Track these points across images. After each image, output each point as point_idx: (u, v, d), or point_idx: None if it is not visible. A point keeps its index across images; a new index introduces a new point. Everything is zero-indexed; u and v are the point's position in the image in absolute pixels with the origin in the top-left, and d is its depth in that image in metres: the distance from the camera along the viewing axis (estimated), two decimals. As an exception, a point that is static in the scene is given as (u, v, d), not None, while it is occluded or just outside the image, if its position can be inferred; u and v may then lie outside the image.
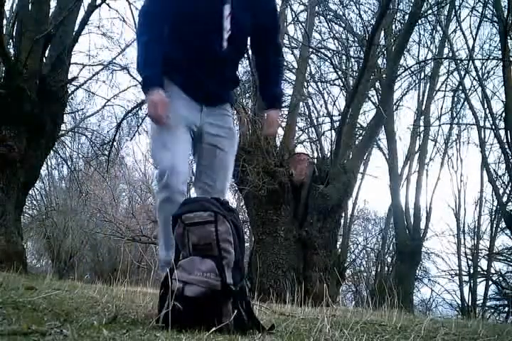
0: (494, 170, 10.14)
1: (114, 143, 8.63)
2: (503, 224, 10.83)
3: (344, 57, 8.69)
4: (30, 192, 8.03)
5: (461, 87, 9.78)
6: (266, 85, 2.14)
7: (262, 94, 2.18)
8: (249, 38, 2.07)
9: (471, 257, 11.73)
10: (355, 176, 6.45)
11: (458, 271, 11.92)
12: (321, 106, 10.10)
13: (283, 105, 2.13)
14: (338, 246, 8.35)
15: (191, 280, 1.53)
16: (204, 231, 1.58)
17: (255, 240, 5.80)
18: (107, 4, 6.86)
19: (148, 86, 1.85)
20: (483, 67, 9.63)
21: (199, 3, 1.87)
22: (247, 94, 6.34)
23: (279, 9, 8.11)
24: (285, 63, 8.97)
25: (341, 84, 9.00)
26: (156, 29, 1.87)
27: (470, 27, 8.90)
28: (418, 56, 10.35)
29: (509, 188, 10.18)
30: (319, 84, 9.66)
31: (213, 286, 1.52)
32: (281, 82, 2.16)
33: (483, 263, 11.42)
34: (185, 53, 1.93)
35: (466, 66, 9.30)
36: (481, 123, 9.76)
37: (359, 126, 8.92)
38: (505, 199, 9.87)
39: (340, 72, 8.45)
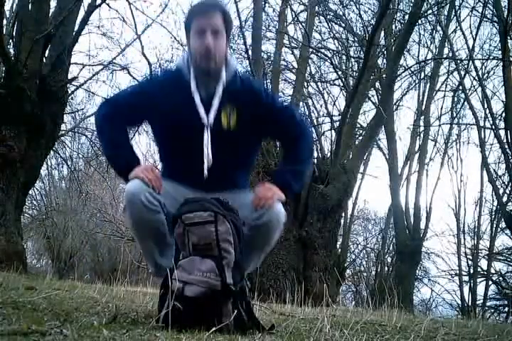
0: (494, 170, 10.15)
1: (114, 143, 8.61)
2: (503, 224, 10.84)
3: (344, 57, 8.70)
4: (30, 192, 8.03)
5: (461, 87, 9.78)
6: (282, 167, 2.01)
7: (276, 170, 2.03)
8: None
9: (471, 257, 11.74)
10: (355, 176, 6.44)
11: (458, 271, 11.93)
12: (321, 106, 10.13)
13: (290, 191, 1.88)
14: (338, 246, 8.35)
15: (191, 280, 1.53)
16: (204, 231, 1.58)
17: (255, 240, 5.79)
18: (107, 4, 6.88)
19: (126, 167, 1.79)
20: (483, 67, 9.66)
21: (180, 127, 1.83)
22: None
23: (279, 9, 8.13)
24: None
25: (341, 84, 9.01)
26: (117, 125, 1.87)
27: (470, 27, 8.91)
28: (418, 56, 10.38)
29: (509, 188, 10.19)
30: (319, 84, 9.68)
31: (213, 286, 1.52)
32: (299, 179, 1.94)
33: (483, 263, 11.45)
34: (173, 166, 1.94)
35: (466, 66, 9.31)
36: (481, 123, 9.77)
37: (359, 126, 8.93)
38: (505, 199, 9.87)
39: (340, 72, 8.46)
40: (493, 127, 8.60)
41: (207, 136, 1.81)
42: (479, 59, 9.34)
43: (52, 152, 8.97)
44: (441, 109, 11.30)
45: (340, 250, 9.77)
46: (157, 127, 1.95)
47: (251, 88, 1.91)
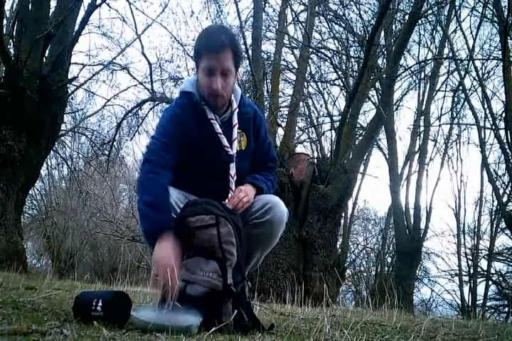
0: (494, 170, 10.13)
1: (114, 143, 8.64)
2: (503, 224, 10.83)
3: (344, 57, 8.68)
4: (30, 192, 8.03)
5: (461, 87, 9.77)
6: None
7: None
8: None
9: (471, 257, 11.74)
10: (355, 176, 6.44)
11: (458, 271, 11.92)
12: (321, 106, 10.12)
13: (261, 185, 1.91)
14: (338, 246, 8.35)
15: (194, 279, 1.54)
16: (207, 235, 1.59)
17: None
18: (107, 4, 6.88)
19: (156, 232, 1.63)
20: (483, 67, 9.63)
21: (206, 160, 1.83)
22: (248, 94, 6.37)
23: (279, 9, 8.14)
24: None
25: (341, 84, 9.00)
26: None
27: (470, 27, 8.87)
28: (418, 56, 10.36)
29: (509, 188, 10.17)
30: (319, 84, 9.66)
31: (215, 286, 1.53)
32: (267, 187, 1.95)
33: (483, 263, 11.44)
34: (190, 184, 1.87)
35: (466, 66, 9.29)
36: (481, 123, 9.75)
37: (359, 126, 8.92)
38: (505, 199, 9.85)
39: (340, 72, 8.44)
40: (493, 127, 8.60)
41: (233, 170, 1.85)
42: (479, 59, 9.32)
43: (52, 152, 8.98)
44: (441, 109, 11.30)
45: (340, 250, 9.77)
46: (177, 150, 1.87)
47: (255, 113, 2.00)
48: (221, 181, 1.84)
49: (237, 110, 1.91)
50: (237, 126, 1.89)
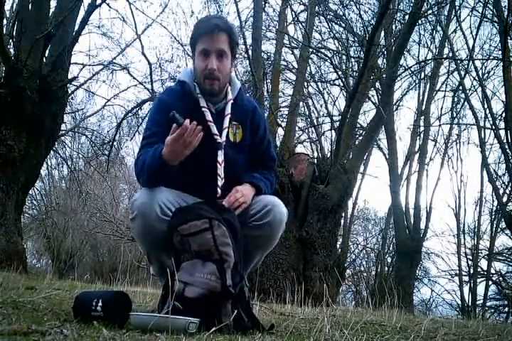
0: (494, 170, 10.13)
1: (114, 143, 8.64)
2: (503, 224, 10.83)
3: (344, 57, 8.68)
4: (30, 192, 8.03)
5: (461, 87, 9.77)
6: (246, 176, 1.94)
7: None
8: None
9: (471, 257, 11.74)
10: (355, 176, 6.43)
11: (458, 271, 11.93)
12: (321, 106, 10.12)
13: (260, 186, 1.89)
14: (338, 246, 8.35)
15: (192, 281, 1.53)
16: (202, 239, 1.59)
17: (255, 240, 5.77)
18: (107, 4, 6.89)
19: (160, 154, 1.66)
20: (483, 67, 9.63)
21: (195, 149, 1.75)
22: (248, 94, 6.35)
23: (279, 9, 8.14)
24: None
25: (341, 84, 8.99)
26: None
27: (470, 27, 8.87)
28: (418, 56, 10.36)
29: (509, 188, 10.17)
30: (319, 84, 9.66)
31: (213, 288, 1.52)
32: (265, 186, 1.93)
33: (483, 263, 11.44)
34: (182, 179, 1.83)
35: (466, 66, 9.29)
36: (481, 123, 9.75)
37: (359, 126, 8.92)
38: (505, 199, 9.85)
39: (340, 72, 8.44)
40: (493, 127, 8.60)
41: (221, 157, 1.82)
42: (479, 59, 9.31)
43: (52, 152, 8.99)
44: (441, 109, 11.31)
45: (340, 250, 9.78)
46: None
47: (255, 109, 1.98)
48: (209, 169, 1.82)
49: (232, 101, 1.89)
50: (229, 116, 1.87)
